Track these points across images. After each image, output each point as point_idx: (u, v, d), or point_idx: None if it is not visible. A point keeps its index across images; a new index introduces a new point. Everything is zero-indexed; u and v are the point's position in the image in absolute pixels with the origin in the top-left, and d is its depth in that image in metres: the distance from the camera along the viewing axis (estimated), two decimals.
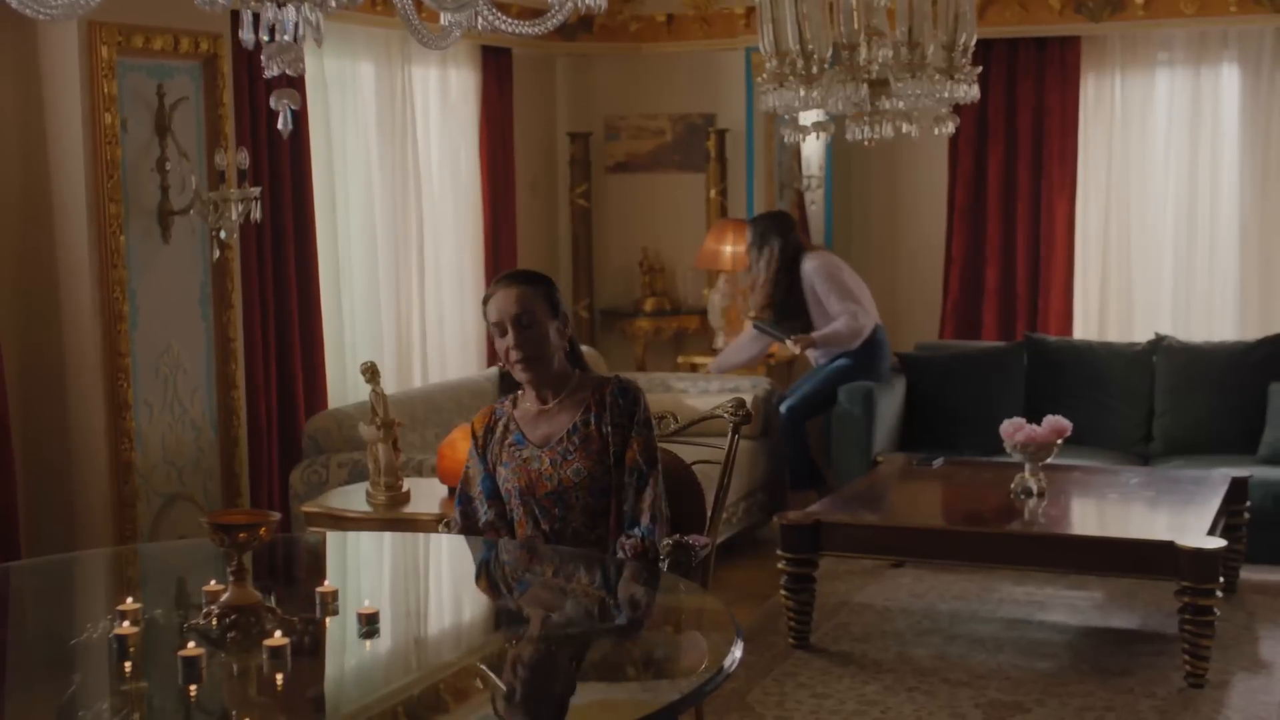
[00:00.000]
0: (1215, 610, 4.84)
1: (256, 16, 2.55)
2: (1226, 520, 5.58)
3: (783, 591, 5.30)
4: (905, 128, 5.67)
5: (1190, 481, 5.81)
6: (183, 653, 2.71)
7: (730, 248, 7.52)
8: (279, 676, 2.76)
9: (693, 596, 3.34)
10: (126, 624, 2.92)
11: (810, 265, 6.97)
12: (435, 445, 5.64)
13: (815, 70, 5.31)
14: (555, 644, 3.07)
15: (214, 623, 2.90)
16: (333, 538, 4.20)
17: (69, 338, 5.12)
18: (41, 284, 5.12)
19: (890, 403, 6.98)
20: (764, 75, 5.45)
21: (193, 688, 2.70)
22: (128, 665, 2.85)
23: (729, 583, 5.93)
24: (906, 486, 6.02)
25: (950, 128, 5.83)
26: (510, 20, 2.81)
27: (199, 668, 2.71)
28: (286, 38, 2.56)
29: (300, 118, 5.91)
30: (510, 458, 3.63)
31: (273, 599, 3.04)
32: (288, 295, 6.06)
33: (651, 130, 8.24)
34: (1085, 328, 7.65)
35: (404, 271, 6.93)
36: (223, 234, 5.22)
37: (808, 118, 6.13)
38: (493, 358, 7.48)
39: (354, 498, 4.91)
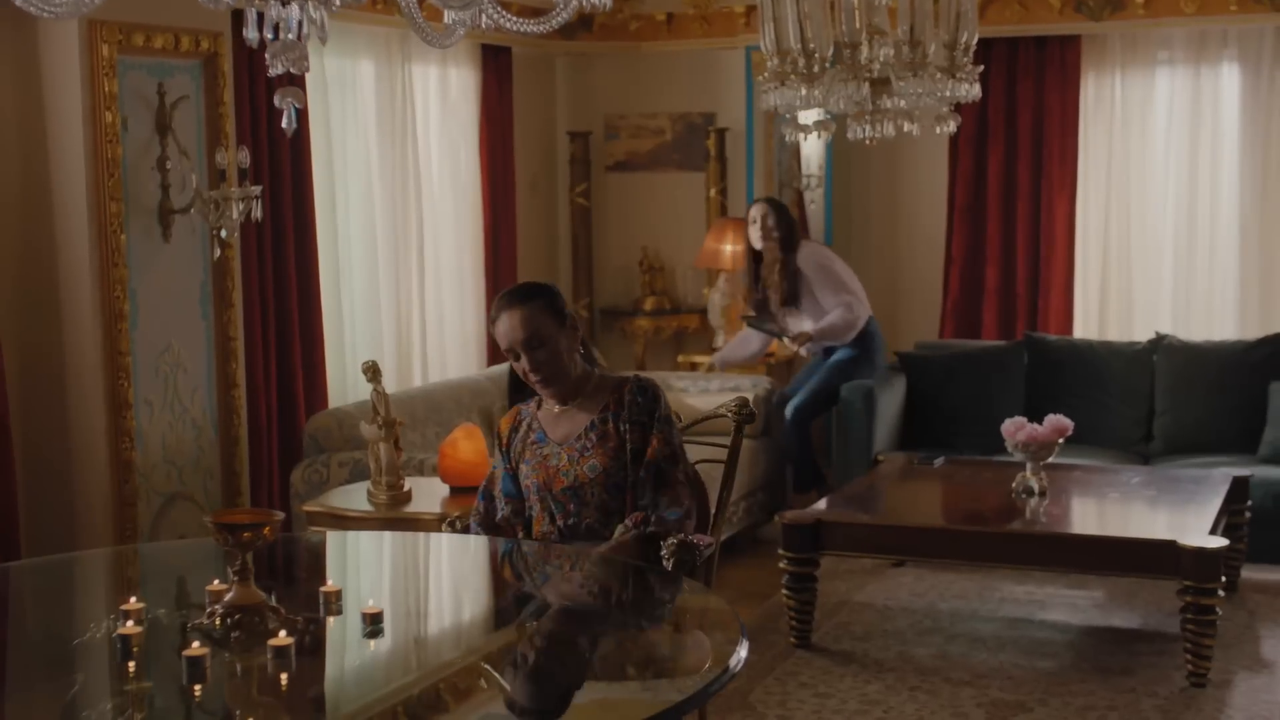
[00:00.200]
0: (1217, 610, 4.84)
1: (261, 15, 2.54)
2: (1227, 520, 5.58)
3: (784, 591, 5.29)
4: (907, 127, 5.68)
5: (1191, 481, 5.81)
6: (187, 652, 2.71)
7: (730, 246, 7.51)
8: (284, 676, 2.75)
9: (697, 596, 3.34)
10: (130, 624, 2.91)
11: (802, 256, 6.96)
12: (436, 444, 5.64)
13: (817, 69, 5.30)
14: (570, 629, 3.12)
15: (218, 622, 2.89)
16: (333, 537, 4.19)
17: (69, 336, 5.11)
18: (42, 283, 5.11)
19: (890, 402, 6.97)
20: (765, 74, 5.45)
21: (197, 687, 2.70)
22: (131, 665, 2.84)
23: (729, 582, 5.92)
24: (907, 486, 6.01)
25: (952, 126, 5.83)
26: (515, 18, 2.80)
27: (203, 667, 2.70)
28: (291, 36, 2.55)
29: (300, 116, 5.90)
30: (532, 455, 3.71)
31: (273, 598, 3.04)
32: (288, 294, 6.05)
33: (651, 129, 8.23)
34: (1085, 327, 7.65)
35: (404, 270, 6.92)
36: (223, 233, 5.21)
37: (808, 116, 6.13)
38: (493, 357, 7.48)
39: (355, 497, 4.90)
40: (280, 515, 3.03)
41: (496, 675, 2.85)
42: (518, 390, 3.86)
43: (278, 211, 5.96)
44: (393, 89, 6.78)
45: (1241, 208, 7.35)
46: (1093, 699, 4.75)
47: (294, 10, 2.54)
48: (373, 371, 4.82)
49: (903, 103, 5.50)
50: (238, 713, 2.68)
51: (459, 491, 4.85)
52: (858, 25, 5.30)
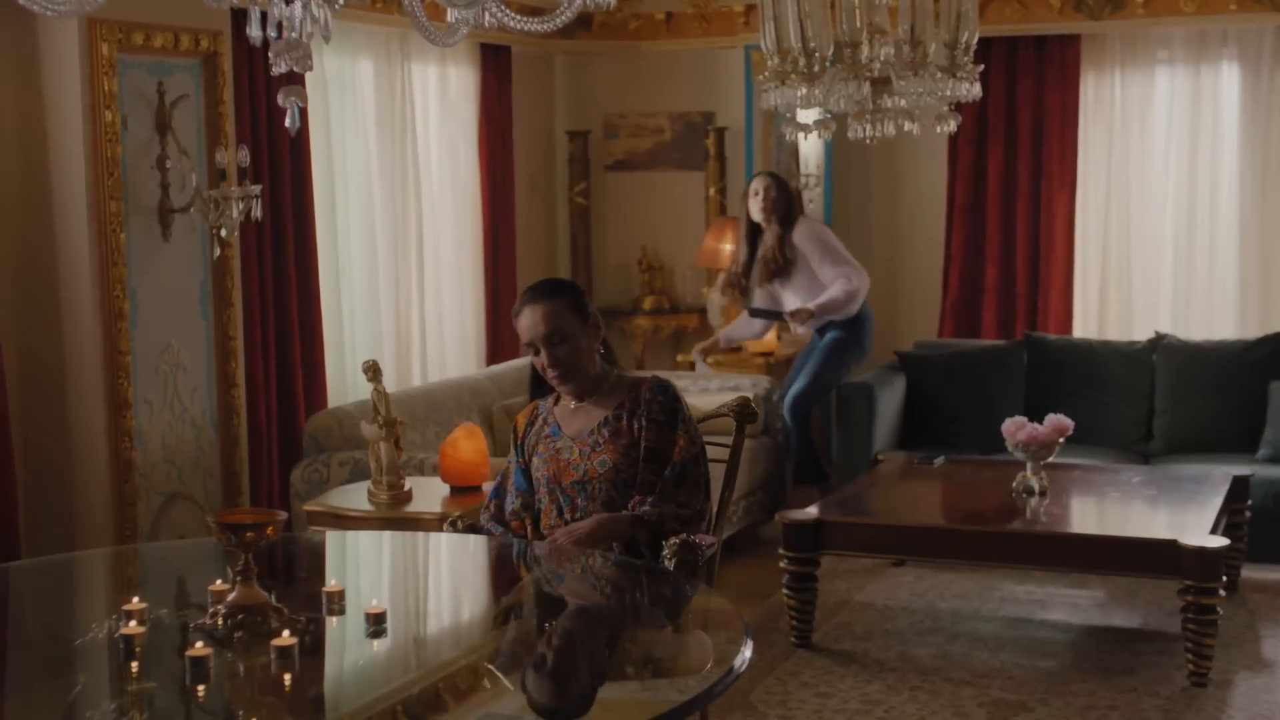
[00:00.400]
0: (1218, 609, 4.83)
1: (264, 13, 2.54)
2: (1228, 519, 5.58)
3: (785, 591, 5.29)
4: (907, 126, 5.67)
5: (1192, 480, 5.80)
6: (190, 653, 2.70)
7: (729, 246, 7.51)
8: (287, 677, 2.74)
9: (700, 596, 3.34)
10: (133, 624, 2.90)
11: (799, 231, 6.94)
12: (436, 444, 5.63)
13: (817, 68, 5.30)
14: (587, 628, 3.14)
15: (220, 623, 2.88)
16: (333, 536, 4.19)
17: (69, 336, 5.11)
18: (41, 282, 5.11)
19: (890, 401, 6.97)
20: (765, 73, 5.44)
21: (200, 688, 2.69)
22: (134, 665, 2.83)
23: (729, 581, 5.91)
24: (907, 485, 6.01)
25: (952, 126, 5.82)
26: (519, 17, 2.79)
27: (207, 668, 2.70)
28: (294, 34, 2.55)
29: (300, 115, 5.89)
30: (545, 448, 3.76)
31: (272, 598, 3.03)
32: (288, 293, 6.05)
33: (650, 128, 8.23)
34: (1085, 326, 7.65)
35: (403, 269, 6.92)
36: (223, 232, 5.21)
37: (809, 115, 6.12)
38: (492, 357, 7.48)
39: (356, 496, 4.89)
40: (283, 515, 3.03)
41: (501, 675, 2.85)
42: (539, 386, 3.88)
43: (277, 211, 5.95)
44: (392, 88, 6.77)
45: (1241, 207, 7.35)
46: (1094, 699, 4.75)
47: (297, 9, 2.54)
48: (373, 371, 4.82)
49: (903, 102, 5.49)
50: (241, 713, 2.67)
51: (459, 491, 4.84)
52: (858, 24, 5.30)
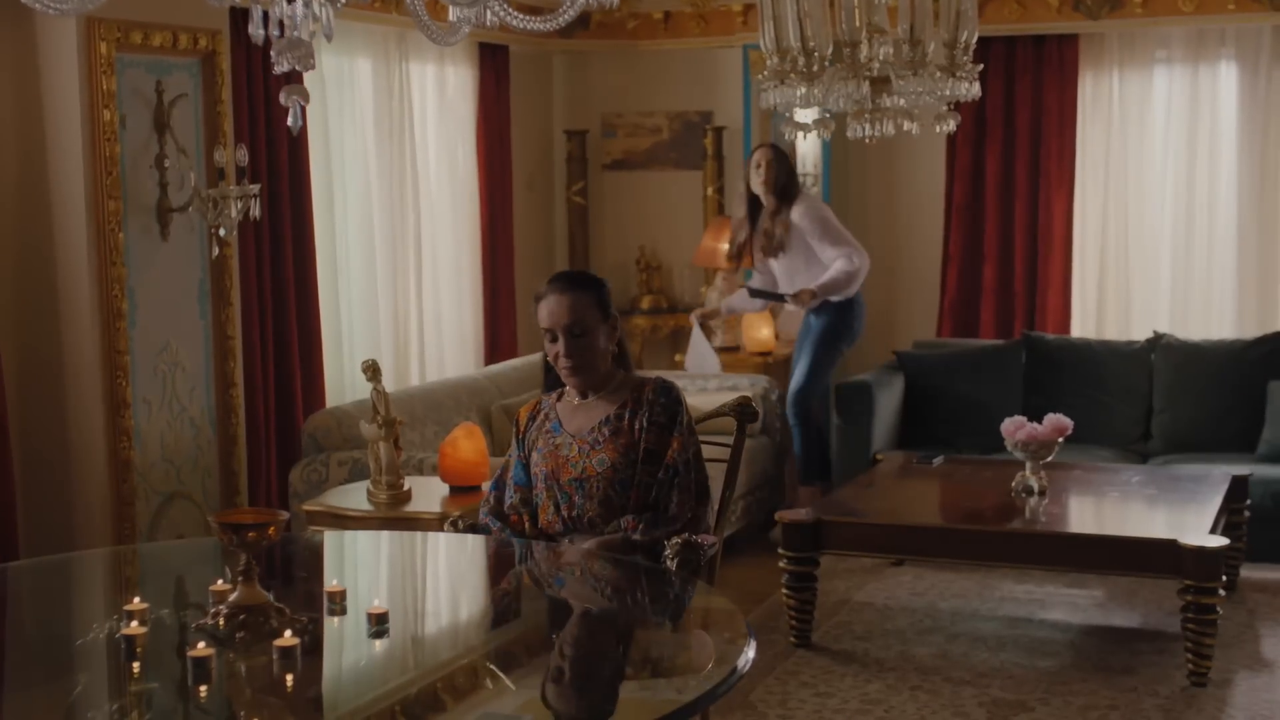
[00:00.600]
0: (1218, 609, 4.83)
1: (266, 12, 2.53)
2: (1227, 519, 5.58)
3: (784, 590, 5.29)
4: (906, 125, 5.67)
5: (1191, 480, 5.80)
6: (192, 653, 2.69)
7: (727, 245, 7.50)
8: (289, 677, 2.74)
9: (702, 596, 3.33)
10: (134, 624, 2.89)
11: (798, 208, 6.90)
12: (435, 443, 5.63)
13: (816, 68, 5.29)
14: (597, 633, 3.14)
15: (222, 623, 2.87)
16: (332, 536, 4.18)
17: (67, 335, 5.10)
18: (40, 281, 5.10)
19: (889, 401, 6.96)
20: (764, 72, 5.44)
21: (202, 688, 2.68)
22: (136, 666, 2.83)
23: (729, 581, 5.90)
24: (906, 485, 6.01)
25: (951, 125, 5.82)
26: (521, 16, 2.78)
27: (209, 668, 2.69)
28: (296, 33, 2.54)
29: (301, 114, 5.89)
30: (545, 443, 3.75)
31: (272, 598, 3.02)
32: (286, 292, 6.04)
33: (648, 128, 8.22)
34: (1083, 326, 7.64)
35: (402, 268, 6.91)
36: (222, 231, 5.20)
37: (807, 115, 6.11)
38: (490, 356, 7.47)
39: (355, 496, 4.89)
40: (285, 515, 3.02)
41: (502, 675, 2.84)
42: (552, 381, 3.86)
43: (276, 210, 5.94)
44: (390, 87, 6.76)
45: (1239, 206, 7.35)
46: (1094, 698, 4.75)
47: (299, 7, 2.53)
48: (373, 370, 4.81)
49: (902, 101, 5.49)
50: (243, 714, 2.66)
51: (459, 491, 4.84)
52: (857, 24, 5.29)
